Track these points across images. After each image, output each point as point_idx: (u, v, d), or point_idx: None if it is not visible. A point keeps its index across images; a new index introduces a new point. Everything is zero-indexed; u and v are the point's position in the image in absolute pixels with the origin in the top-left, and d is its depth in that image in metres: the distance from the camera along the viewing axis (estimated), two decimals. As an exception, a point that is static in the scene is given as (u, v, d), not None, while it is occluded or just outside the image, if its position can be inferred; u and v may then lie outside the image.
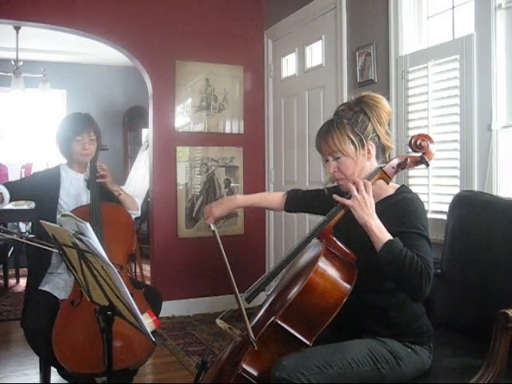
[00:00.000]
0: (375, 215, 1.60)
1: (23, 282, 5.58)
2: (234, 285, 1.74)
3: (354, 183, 1.64)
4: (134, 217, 2.74)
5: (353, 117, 1.75)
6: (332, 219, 1.70)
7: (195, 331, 3.89)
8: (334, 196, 1.69)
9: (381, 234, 1.58)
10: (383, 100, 1.79)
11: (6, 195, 2.49)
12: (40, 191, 2.56)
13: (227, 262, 1.80)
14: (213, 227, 1.97)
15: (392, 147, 1.82)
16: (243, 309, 1.66)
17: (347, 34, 3.51)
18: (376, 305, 1.73)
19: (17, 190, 2.55)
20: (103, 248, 1.46)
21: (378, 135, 1.76)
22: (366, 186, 1.63)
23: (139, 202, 2.83)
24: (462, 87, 2.59)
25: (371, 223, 1.59)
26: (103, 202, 2.56)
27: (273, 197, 2.22)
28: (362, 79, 3.34)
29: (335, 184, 1.90)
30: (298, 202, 2.13)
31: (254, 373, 1.62)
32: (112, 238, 2.48)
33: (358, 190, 1.62)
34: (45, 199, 2.55)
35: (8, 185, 2.56)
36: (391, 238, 1.58)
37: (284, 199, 2.15)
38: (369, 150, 1.75)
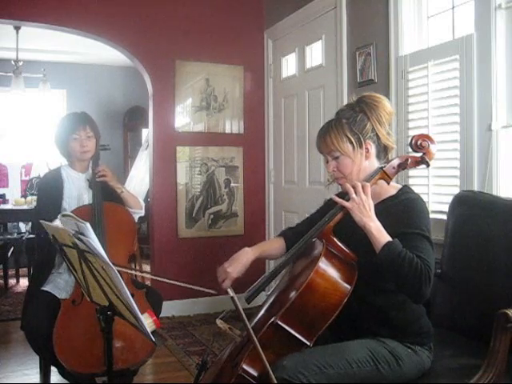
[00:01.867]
0: (374, 217, 1.60)
1: (23, 281, 5.58)
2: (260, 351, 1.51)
3: (353, 186, 1.64)
4: (137, 216, 2.73)
5: (351, 116, 1.76)
6: (332, 220, 1.70)
7: (195, 331, 3.89)
8: (333, 197, 1.69)
9: (380, 235, 1.58)
10: (384, 100, 1.79)
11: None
12: (47, 196, 2.58)
13: (252, 333, 1.51)
14: (231, 293, 1.63)
15: (393, 147, 1.82)
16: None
17: (347, 34, 3.51)
18: (376, 305, 1.73)
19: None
20: (105, 248, 1.46)
21: (377, 135, 1.76)
22: (365, 188, 1.63)
23: (141, 201, 2.82)
24: (462, 87, 2.59)
25: (370, 225, 1.58)
26: (105, 202, 2.56)
27: (275, 243, 2.05)
28: (361, 79, 3.34)
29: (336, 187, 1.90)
30: (296, 239, 1.95)
31: (254, 373, 1.62)
32: (114, 238, 2.48)
33: (356, 193, 1.62)
34: (48, 201, 2.56)
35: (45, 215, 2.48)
36: (390, 239, 1.58)
37: (283, 243, 2.02)
38: (367, 149, 1.75)
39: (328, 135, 1.75)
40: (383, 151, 1.80)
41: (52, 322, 2.25)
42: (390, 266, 1.55)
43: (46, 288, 2.45)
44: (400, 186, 1.80)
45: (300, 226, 2.06)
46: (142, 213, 2.78)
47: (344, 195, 1.71)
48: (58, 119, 2.76)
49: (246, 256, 1.91)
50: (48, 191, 2.61)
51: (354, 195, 1.62)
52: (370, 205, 1.61)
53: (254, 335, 1.49)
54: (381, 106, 1.76)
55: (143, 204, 2.80)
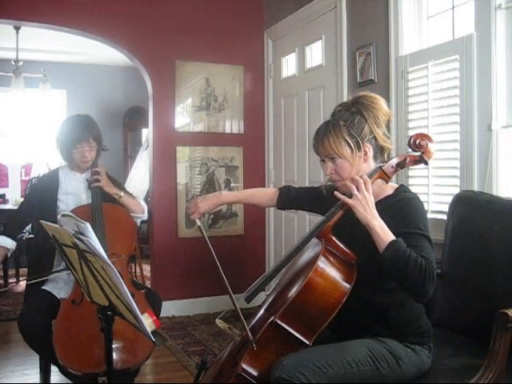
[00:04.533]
0: (377, 214, 1.60)
1: (23, 282, 5.58)
2: (226, 281, 1.74)
3: (354, 181, 1.63)
4: (139, 220, 2.69)
5: (349, 118, 1.73)
6: (331, 219, 1.70)
7: (195, 331, 3.89)
8: (336, 193, 1.67)
9: (384, 234, 1.57)
10: (380, 101, 1.77)
11: (13, 247, 2.62)
12: (40, 198, 2.58)
13: (215, 257, 1.79)
14: (198, 223, 1.97)
15: (390, 148, 1.80)
16: (237, 305, 1.68)
17: (347, 34, 3.51)
18: (376, 304, 1.73)
19: (25, 220, 2.64)
20: (105, 249, 1.46)
21: (375, 137, 1.74)
22: (366, 184, 1.62)
23: (143, 203, 2.75)
24: (462, 87, 2.59)
25: (374, 223, 1.58)
26: (104, 203, 2.56)
27: (264, 193, 2.18)
28: (361, 79, 3.34)
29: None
30: (290, 198, 2.09)
31: (254, 373, 1.62)
32: (114, 238, 2.47)
33: (358, 189, 1.61)
34: (45, 201, 2.56)
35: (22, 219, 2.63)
36: (394, 238, 1.57)
37: (276, 195, 2.11)
38: (365, 151, 1.74)
39: (326, 138, 1.73)
40: (380, 152, 1.79)
41: (48, 320, 2.25)
42: (394, 265, 1.55)
43: (45, 287, 2.45)
44: (397, 186, 1.80)
45: (299, 191, 2.12)
46: (145, 216, 2.73)
47: (343, 194, 1.70)
48: (60, 121, 2.74)
49: (219, 198, 2.07)
50: (38, 195, 2.62)
51: (356, 192, 1.61)
52: (372, 202, 1.61)
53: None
54: (378, 107, 1.75)
55: (145, 206, 2.74)
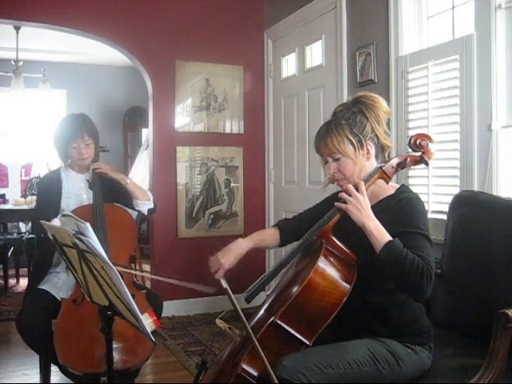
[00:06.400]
0: (372, 216, 1.60)
1: (23, 282, 5.58)
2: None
3: (345, 190, 1.64)
4: (147, 208, 2.68)
5: (351, 117, 1.75)
6: (330, 220, 1.70)
7: (195, 331, 3.89)
8: (336, 203, 1.68)
9: (379, 235, 1.58)
10: (380, 100, 1.78)
11: None
12: (46, 197, 2.59)
13: (245, 320, 1.63)
14: (224, 284, 1.74)
15: (391, 146, 1.82)
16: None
17: (347, 34, 3.51)
18: (376, 305, 1.73)
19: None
20: (106, 249, 1.46)
21: (376, 135, 1.76)
22: (359, 187, 1.63)
23: (149, 192, 2.73)
24: (462, 87, 2.59)
25: (370, 224, 1.58)
26: (106, 203, 2.56)
27: (268, 234, 2.06)
28: (362, 79, 3.34)
29: (334, 189, 1.90)
30: (292, 230, 2.02)
31: (254, 373, 1.62)
32: (115, 239, 2.47)
33: (349, 194, 1.61)
34: (48, 201, 2.57)
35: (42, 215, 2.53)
36: (390, 238, 1.57)
37: (278, 235, 2.03)
38: (368, 150, 1.75)
39: (329, 137, 1.74)
40: (380, 151, 1.80)
41: (48, 319, 2.25)
42: (390, 266, 1.55)
43: (44, 287, 2.45)
44: (398, 186, 1.80)
45: (297, 219, 2.06)
46: (151, 204, 2.70)
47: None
48: (57, 120, 2.75)
49: (240, 247, 1.91)
50: (46, 192, 2.62)
51: (346, 196, 1.62)
52: (367, 204, 1.61)
53: (246, 322, 1.54)
54: (378, 105, 1.76)
55: (151, 195, 2.73)
